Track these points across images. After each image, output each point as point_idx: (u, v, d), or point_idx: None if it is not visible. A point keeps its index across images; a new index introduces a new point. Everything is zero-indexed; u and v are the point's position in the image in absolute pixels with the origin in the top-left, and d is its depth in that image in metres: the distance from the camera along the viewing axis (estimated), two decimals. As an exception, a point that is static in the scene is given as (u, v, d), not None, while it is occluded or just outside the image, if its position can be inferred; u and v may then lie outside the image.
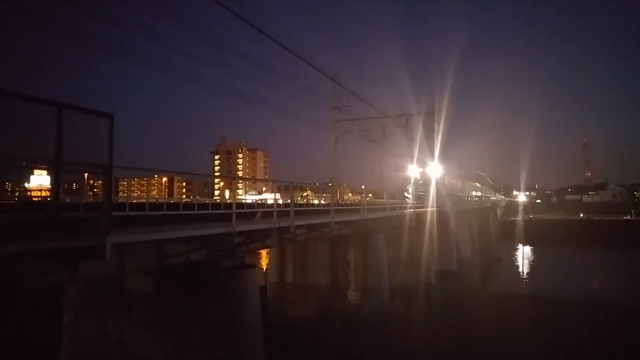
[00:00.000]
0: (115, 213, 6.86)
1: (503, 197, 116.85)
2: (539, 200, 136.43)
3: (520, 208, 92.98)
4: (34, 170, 7.47)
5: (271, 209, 11.51)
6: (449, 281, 30.16)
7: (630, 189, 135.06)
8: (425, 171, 37.94)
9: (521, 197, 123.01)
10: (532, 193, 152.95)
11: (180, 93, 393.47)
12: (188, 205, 9.03)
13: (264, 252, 22.84)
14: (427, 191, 34.17)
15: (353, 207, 18.07)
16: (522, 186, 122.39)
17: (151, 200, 8.34)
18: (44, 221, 5.66)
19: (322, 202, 15.79)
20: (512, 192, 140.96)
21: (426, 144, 36.28)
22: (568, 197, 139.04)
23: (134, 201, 8.52)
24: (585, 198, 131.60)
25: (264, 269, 22.24)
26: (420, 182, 37.34)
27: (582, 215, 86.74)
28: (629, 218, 77.02)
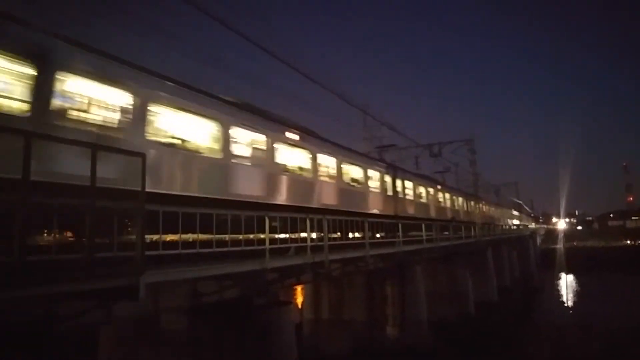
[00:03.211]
0: (149, 252, 6.82)
1: (542, 224, 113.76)
2: (579, 227, 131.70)
3: (561, 235, 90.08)
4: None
5: (305, 244, 11.33)
6: (489, 313, 29.11)
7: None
8: None
9: (561, 224, 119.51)
10: (572, 220, 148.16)
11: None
12: (221, 242, 8.93)
13: (298, 288, 22.55)
14: None
15: (388, 240, 17.48)
16: (562, 213, 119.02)
17: (184, 238, 8.29)
18: (79, 262, 5.65)
19: (357, 235, 15.17)
20: (552, 219, 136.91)
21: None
22: (611, 223, 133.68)
23: (168, 239, 8.49)
24: (629, 223, 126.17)
25: (299, 305, 21.90)
26: None
27: (628, 241, 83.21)
28: None
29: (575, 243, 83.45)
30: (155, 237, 7.45)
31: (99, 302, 6.42)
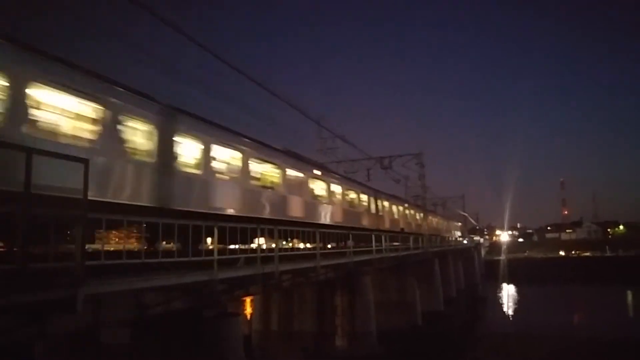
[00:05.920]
0: (90, 262, 6.44)
1: (486, 236, 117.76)
2: (521, 239, 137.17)
3: (504, 247, 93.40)
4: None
5: (255, 255, 11.12)
6: (436, 323, 29.66)
7: (604, 225, 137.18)
8: None
9: (504, 236, 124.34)
10: (514, 232, 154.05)
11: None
12: (168, 253, 8.64)
13: (248, 299, 22.19)
14: None
15: (339, 251, 17.74)
16: (505, 226, 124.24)
17: (129, 247, 8.00)
18: (10, 273, 5.24)
19: (309, 245, 15.52)
20: (495, 232, 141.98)
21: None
22: (548, 235, 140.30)
23: (111, 249, 8.25)
24: (564, 236, 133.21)
25: (248, 316, 21.55)
26: None
27: (562, 253, 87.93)
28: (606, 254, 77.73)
29: (526, 253, 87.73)
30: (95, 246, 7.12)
31: (32, 316, 5.98)
